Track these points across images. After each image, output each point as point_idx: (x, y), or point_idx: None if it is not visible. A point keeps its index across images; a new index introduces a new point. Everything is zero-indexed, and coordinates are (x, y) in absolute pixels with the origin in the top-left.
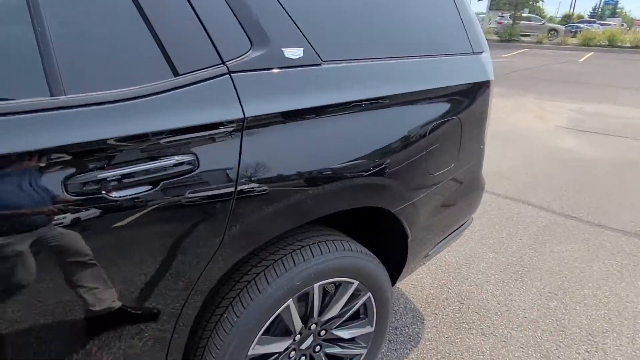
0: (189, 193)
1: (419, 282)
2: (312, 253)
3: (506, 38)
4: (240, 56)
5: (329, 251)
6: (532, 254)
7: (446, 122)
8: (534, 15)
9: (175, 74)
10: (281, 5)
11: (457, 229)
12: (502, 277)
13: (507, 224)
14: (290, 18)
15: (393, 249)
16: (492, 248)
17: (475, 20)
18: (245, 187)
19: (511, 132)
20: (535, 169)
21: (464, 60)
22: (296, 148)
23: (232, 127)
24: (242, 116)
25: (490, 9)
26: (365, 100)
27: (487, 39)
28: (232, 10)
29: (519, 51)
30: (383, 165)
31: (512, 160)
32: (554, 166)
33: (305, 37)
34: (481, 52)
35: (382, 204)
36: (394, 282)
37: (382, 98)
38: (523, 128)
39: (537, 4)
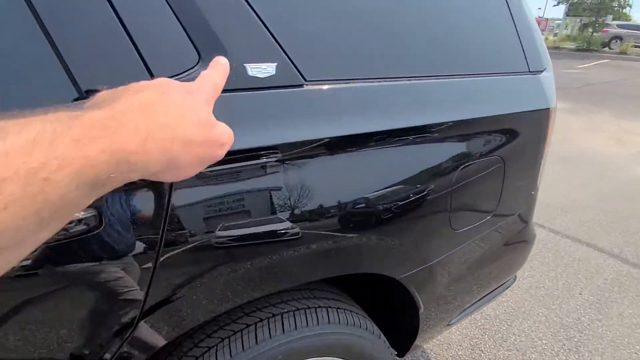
0: (87, 263)
1: (445, 338)
2: (282, 327)
3: (584, 47)
4: (181, 74)
5: (307, 325)
6: (593, 315)
7: (483, 163)
8: None
9: (82, 98)
10: (247, 3)
11: (491, 292)
12: (552, 344)
13: (565, 272)
14: (261, 21)
15: (402, 314)
16: (542, 302)
17: (535, 30)
18: (172, 255)
19: (580, 156)
20: (607, 203)
21: (516, 82)
22: (252, 199)
23: None
24: None
25: (567, 15)
26: (359, 136)
27: (561, 47)
28: (172, 11)
29: (598, 62)
30: (381, 220)
31: (578, 191)
32: (632, 202)
33: (281, 47)
34: (540, 72)
35: (381, 270)
36: (404, 352)
37: (386, 133)
38: (595, 152)
39: (623, 10)
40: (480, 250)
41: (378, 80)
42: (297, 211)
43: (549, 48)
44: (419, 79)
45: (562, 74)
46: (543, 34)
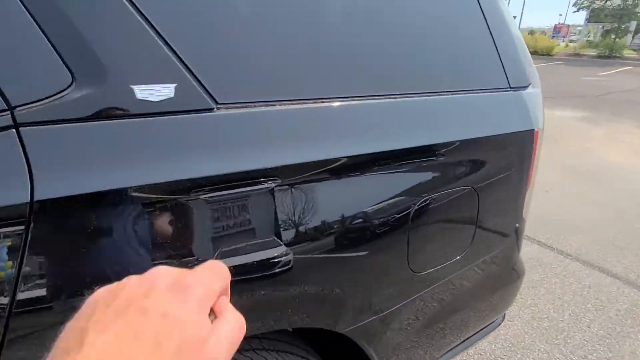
0: None
1: None
2: None
3: (605, 53)
4: (47, 98)
5: None
6: (603, 353)
7: (449, 195)
8: None
9: None
10: (137, 12)
11: (470, 337)
12: None
13: (573, 301)
14: (156, 33)
15: None
16: (545, 336)
17: (517, 40)
18: (24, 322)
19: (598, 169)
20: (627, 222)
21: (492, 100)
22: (147, 246)
23: (10, 219)
24: (28, 200)
25: (588, 21)
26: (286, 168)
27: (582, 54)
28: (36, 22)
29: (620, 69)
30: (314, 265)
31: (594, 208)
32: None
33: (184, 65)
34: (523, 88)
35: (316, 323)
36: None
37: (321, 164)
38: (615, 165)
39: None
40: (453, 294)
41: (313, 101)
42: (201, 256)
43: (569, 55)
44: (367, 99)
45: (582, 82)
46: (563, 41)
